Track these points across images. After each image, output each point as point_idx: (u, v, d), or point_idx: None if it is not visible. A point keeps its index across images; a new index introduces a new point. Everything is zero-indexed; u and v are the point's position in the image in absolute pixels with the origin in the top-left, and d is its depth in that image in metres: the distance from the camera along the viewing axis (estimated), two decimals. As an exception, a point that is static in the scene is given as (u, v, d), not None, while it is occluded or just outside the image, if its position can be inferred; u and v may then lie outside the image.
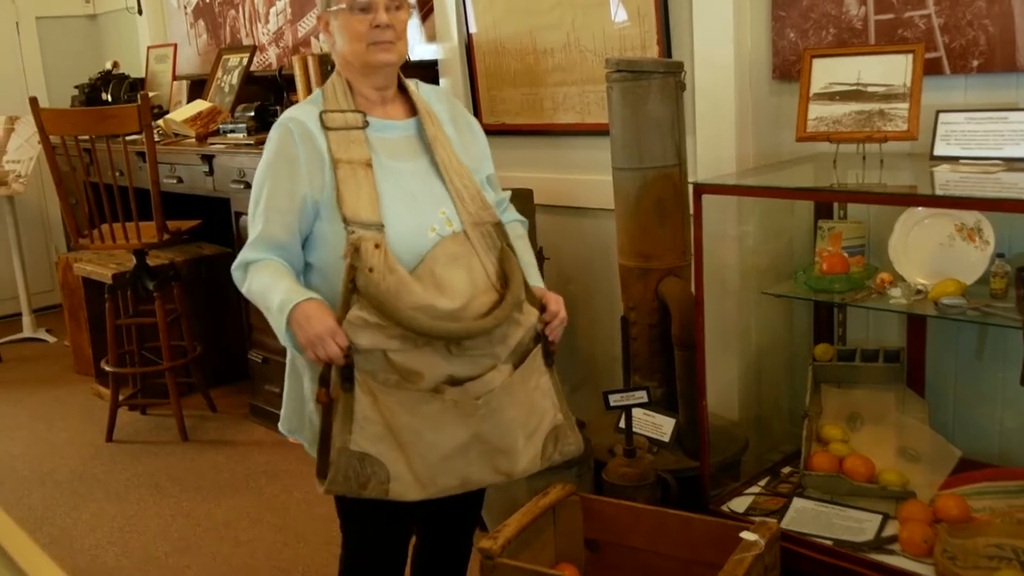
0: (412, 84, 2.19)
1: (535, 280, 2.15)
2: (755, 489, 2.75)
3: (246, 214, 4.37)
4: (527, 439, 2.05)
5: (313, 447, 2.01)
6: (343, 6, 2.04)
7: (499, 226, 2.08)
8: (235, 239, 4.26)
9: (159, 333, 4.22)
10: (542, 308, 2.09)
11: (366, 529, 2.15)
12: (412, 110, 2.14)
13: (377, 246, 1.90)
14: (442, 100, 2.23)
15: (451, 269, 1.96)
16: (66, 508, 3.66)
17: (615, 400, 2.71)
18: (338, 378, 1.89)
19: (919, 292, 2.48)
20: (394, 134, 2.08)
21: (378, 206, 1.95)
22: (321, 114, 2.03)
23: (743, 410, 3.20)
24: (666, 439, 2.87)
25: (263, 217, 2.00)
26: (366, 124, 2.04)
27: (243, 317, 4.35)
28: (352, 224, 1.92)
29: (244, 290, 2.04)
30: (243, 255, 2.02)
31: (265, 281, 1.97)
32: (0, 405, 4.87)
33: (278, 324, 1.92)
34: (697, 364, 2.69)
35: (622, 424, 2.79)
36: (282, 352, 4.22)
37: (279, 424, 2.19)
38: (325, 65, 3.91)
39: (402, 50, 2.09)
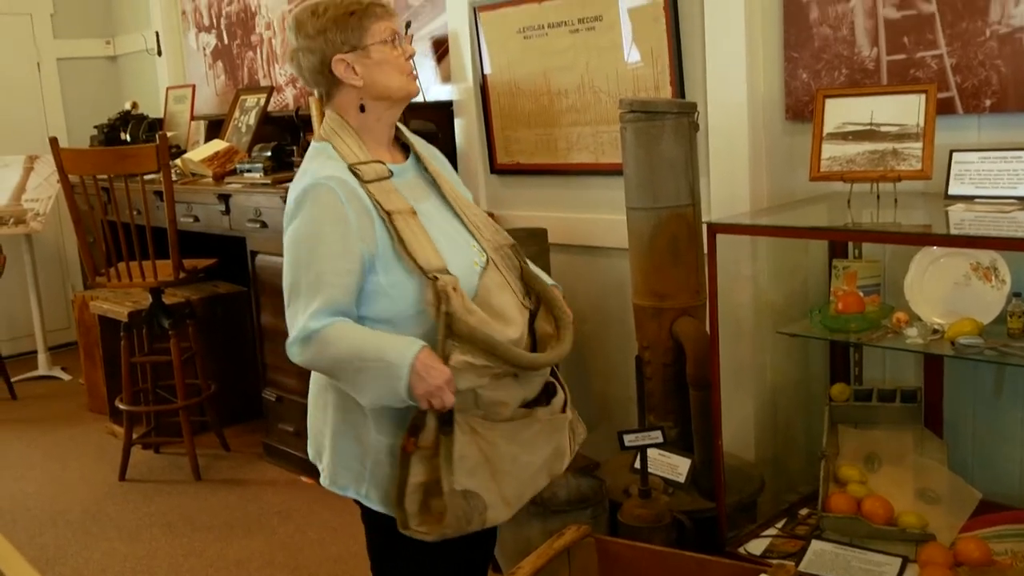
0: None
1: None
2: (772, 531, 2.73)
3: (262, 253, 4.39)
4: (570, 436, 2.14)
5: (380, 500, 2.01)
6: (380, 39, 2.01)
7: (515, 247, 2.12)
8: (251, 278, 4.28)
9: (174, 371, 4.23)
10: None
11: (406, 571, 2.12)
12: (405, 152, 2.15)
13: (455, 289, 1.90)
14: (415, 137, 2.21)
15: (502, 297, 2.01)
16: (78, 547, 3.65)
17: (630, 440, 2.69)
18: (435, 423, 1.90)
19: (935, 332, 2.47)
20: (407, 177, 2.08)
21: (438, 251, 1.95)
22: (351, 168, 1.97)
23: (759, 450, 3.18)
24: (681, 480, 2.85)
25: (322, 283, 1.90)
26: (390, 173, 2.03)
27: (257, 355, 4.36)
28: (430, 272, 1.90)
29: (315, 358, 1.92)
30: (304, 325, 1.89)
31: (357, 341, 1.90)
32: (14, 443, 4.88)
33: (396, 376, 1.85)
34: (712, 404, 2.68)
35: (637, 464, 2.77)
36: (296, 391, 4.22)
37: (323, 480, 2.12)
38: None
39: None
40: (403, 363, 1.84)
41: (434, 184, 2.12)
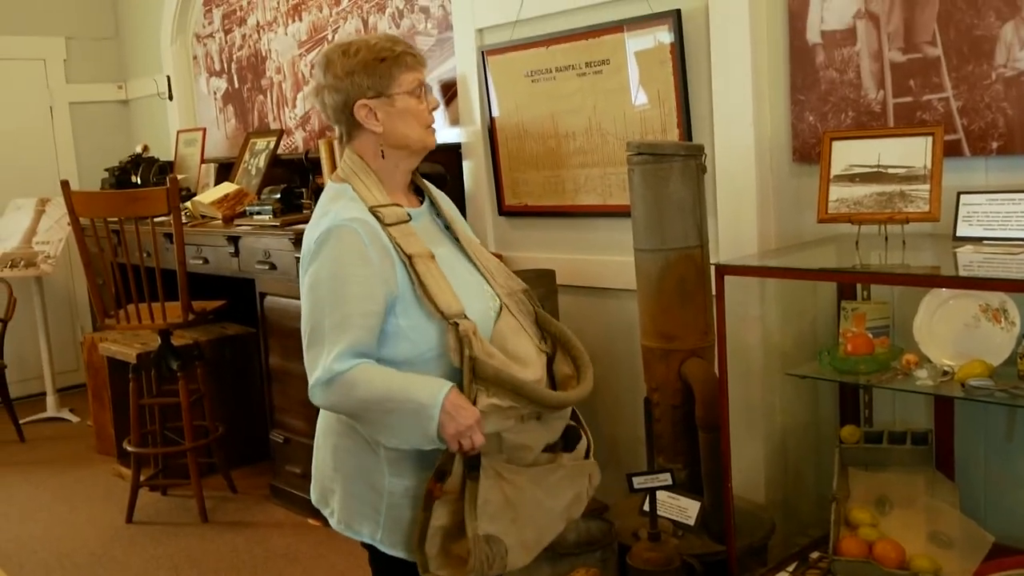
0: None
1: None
2: (783, 575, 2.70)
3: (271, 295, 4.40)
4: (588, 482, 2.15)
5: (397, 544, 2.01)
6: (406, 89, 2.01)
7: (527, 292, 2.14)
8: (259, 320, 4.29)
9: (182, 413, 4.23)
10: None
11: None
12: (420, 196, 2.16)
13: (475, 334, 1.91)
14: (427, 183, 2.22)
15: (518, 342, 2.01)
16: (84, 590, 3.64)
17: (639, 482, 2.68)
18: (462, 468, 1.91)
19: (945, 373, 2.46)
20: (422, 222, 2.08)
21: (456, 296, 1.95)
22: (372, 211, 1.97)
23: (769, 493, 3.15)
24: (691, 522, 2.83)
25: (347, 324, 1.88)
26: (409, 217, 2.02)
27: (265, 397, 4.36)
28: (451, 317, 1.91)
29: (340, 400, 1.90)
30: (329, 367, 1.86)
31: (384, 382, 1.88)
32: (22, 486, 4.87)
33: (427, 416, 1.85)
34: (722, 446, 2.66)
35: (646, 507, 2.75)
36: (304, 432, 4.21)
37: (335, 524, 2.11)
38: (350, 148, 3.97)
39: None
40: (434, 403, 1.84)
41: (448, 229, 2.13)
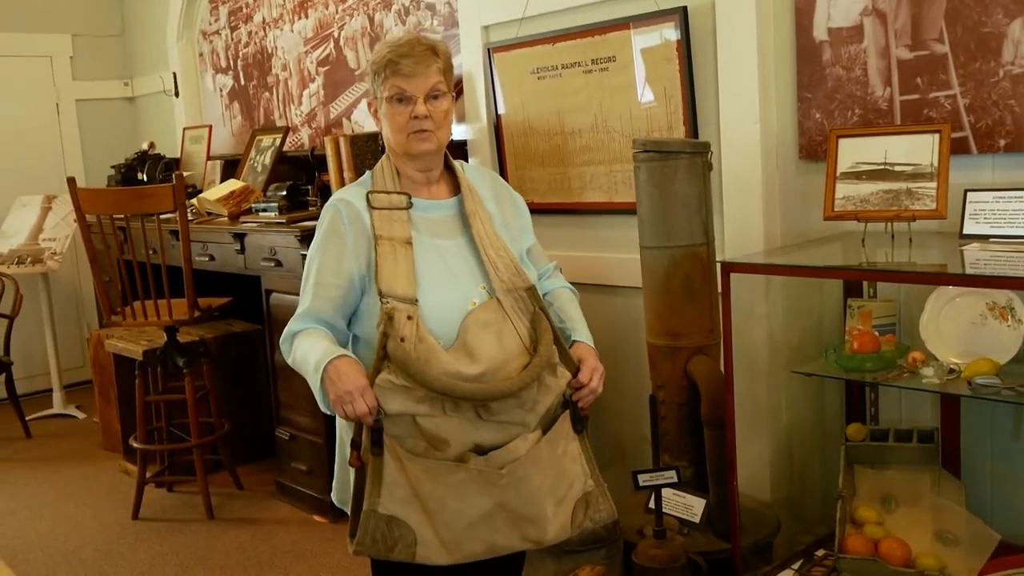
0: (458, 165, 2.29)
1: (583, 336, 2.25)
2: (788, 572, 2.70)
3: (277, 291, 4.43)
4: (556, 506, 2.09)
5: (343, 502, 2.20)
6: (386, 95, 2.16)
7: (531, 290, 2.16)
8: (265, 317, 4.29)
9: (188, 410, 4.24)
10: (576, 370, 2.15)
11: None
12: (457, 189, 2.24)
13: (409, 317, 2.01)
14: (485, 179, 2.33)
15: (481, 336, 2.04)
16: (91, 587, 3.65)
17: (644, 480, 2.68)
18: (368, 442, 1.98)
19: (952, 371, 2.45)
20: (438, 213, 2.19)
21: (415, 282, 2.06)
22: (368, 194, 2.15)
23: (775, 491, 3.15)
24: (696, 520, 2.83)
25: (311, 292, 2.11)
26: (410, 205, 2.15)
27: (271, 394, 4.36)
28: (387, 296, 2.03)
29: (290, 360, 2.13)
30: (290, 326, 2.12)
31: (306, 346, 2.07)
32: (28, 482, 4.88)
33: (314, 383, 2.02)
34: (727, 443, 2.66)
35: (652, 504, 2.75)
36: (310, 429, 4.24)
37: (332, 495, 2.31)
38: (356, 145, 3.98)
39: (442, 137, 2.18)
40: (320, 367, 1.99)
41: (467, 224, 2.19)
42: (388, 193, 2.15)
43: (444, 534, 1.99)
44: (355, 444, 2.01)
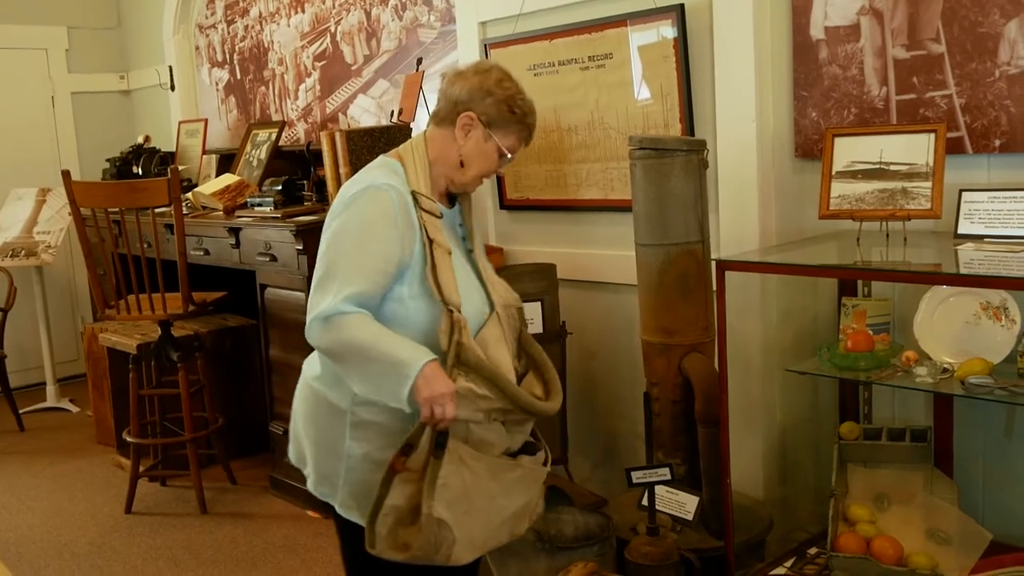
0: None
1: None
2: (781, 570, 2.70)
3: (272, 286, 4.41)
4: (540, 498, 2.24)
5: (353, 509, 2.13)
6: (501, 142, 2.17)
7: (520, 309, 2.25)
8: (260, 311, 4.29)
9: (182, 404, 4.23)
10: None
11: None
12: (450, 200, 2.27)
13: (464, 326, 2.04)
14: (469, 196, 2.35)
15: (499, 350, 2.11)
16: (83, 580, 3.64)
17: (638, 477, 2.68)
18: (430, 444, 1.98)
19: (945, 371, 2.46)
20: (447, 222, 2.21)
21: (458, 291, 2.08)
22: (413, 193, 2.10)
23: (768, 489, 3.16)
24: (690, 517, 2.83)
25: (362, 273, 2.01)
26: (440, 216, 2.15)
27: (265, 389, 4.36)
28: (449, 304, 2.04)
29: (331, 338, 2.00)
30: (333, 306, 1.98)
31: (375, 333, 1.99)
32: (21, 475, 4.88)
33: (404, 375, 1.95)
34: (721, 441, 2.67)
35: (645, 502, 2.76)
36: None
37: (309, 485, 2.24)
38: (352, 141, 3.97)
39: None
40: (415, 365, 1.94)
41: (465, 238, 2.26)
42: (425, 197, 2.12)
43: (477, 533, 2.05)
44: (408, 448, 2.00)
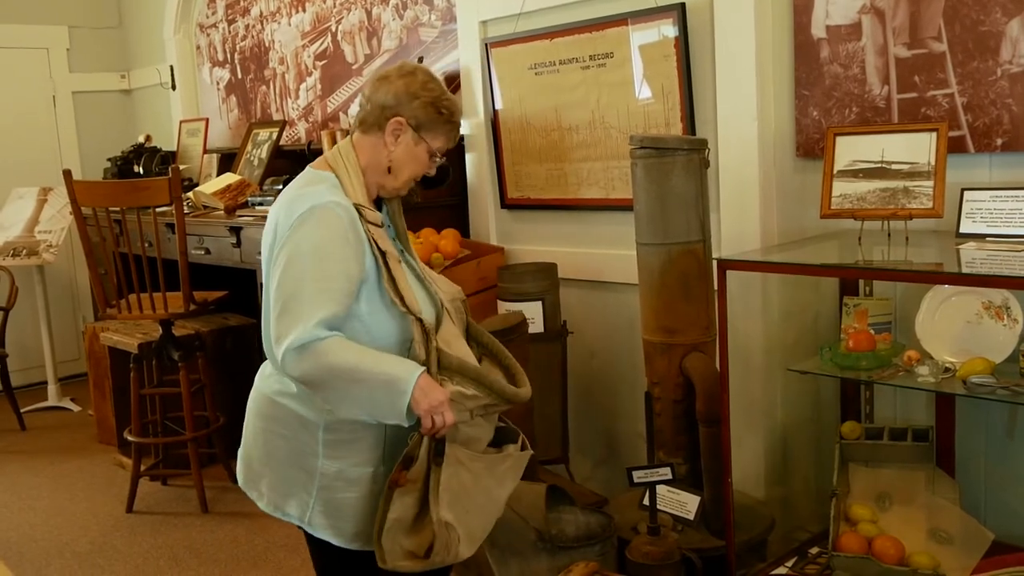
0: None
1: None
2: (782, 570, 2.70)
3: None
4: None
5: (324, 527, 2.11)
6: (431, 144, 2.15)
7: (464, 300, 2.27)
8: (261, 310, 4.27)
9: (183, 403, 4.23)
10: None
11: None
12: (378, 206, 2.23)
13: (433, 332, 2.05)
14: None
15: (459, 345, 2.11)
16: (84, 580, 3.64)
17: (639, 477, 2.68)
18: (428, 453, 2.01)
19: (947, 370, 2.46)
20: (383, 227, 2.16)
21: (415, 297, 2.08)
22: (357, 207, 2.07)
23: (769, 488, 3.16)
24: (691, 517, 2.83)
25: (328, 296, 1.97)
26: (383, 222, 2.13)
27: (266, 388, 4.35)
28: (413, 313, 2.04)
29: (310, 367, 1.95)
30: (309, 333, 1.93)
31: (357, 354, 1.97)
32: (22, 474, 4.88)
33: (400, 391, 1.94)
34: (722, 441, 2.66)
35: (646, 501, 2.75)
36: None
37: (263, 506, 2.22)
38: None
39: None
40: (409, 379, 1.94)
41: (397, 239, 2.23)
42: (366, 208, 2.08)
43: (476, 526, 2.09)
44: (408, 461, 2.02)
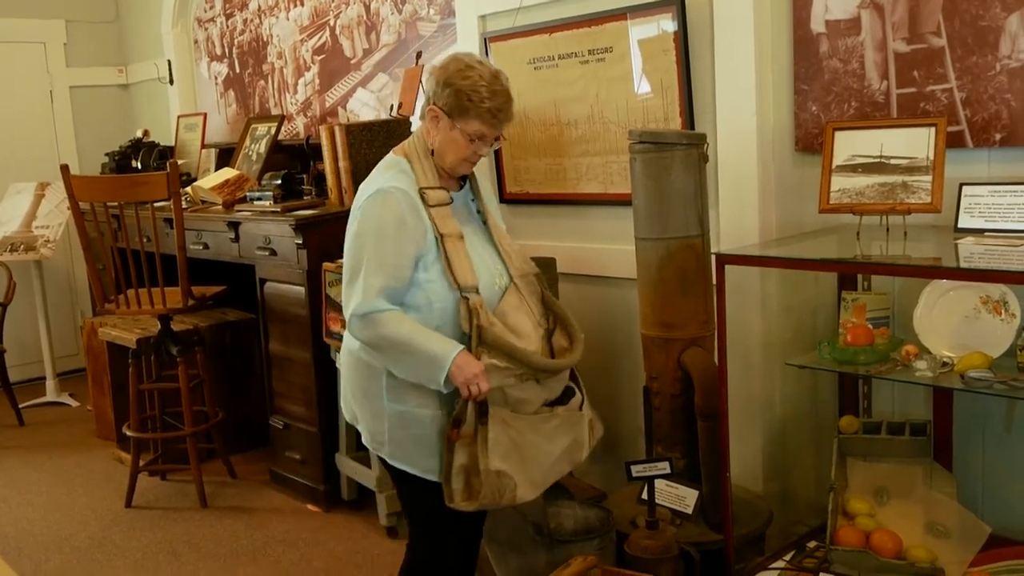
0: None
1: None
2: (780, 564, 2.71)
3: (271, 280, 4.42)
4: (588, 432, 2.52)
5: (399, 458, 2.38)
6: (463, 128, 2.33)
7: (538, 275, 2.49)
8: (259, 305, 4.28)
9: (181, 398, 4.23)
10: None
11: (444, 540, 2.47)
12: (461, 180, 2.48)
13: (480, 306, 2.29)
14: (477, 172, 2.54)
15: (519, 317, 2.37)
16: (83, 575, 3.64)
17: (637, 471, 2.69)
18: (474, 415, 2.27)
19: (945, 365, 2.46)
20: (459, 203, 2.44)
21: (474, 271, 2.33)
22: (421, 191, 2.32)
23: (767, 482, 3.16)
24: (689, 511, 2.84)
25: (382, 270, 2.26)
26: (451, 200, 2.37)
27: (265, 383, 4.36)
28: (466, 291, 2.29)
29: (370, 334, 2.27)
30: (372, 304, 2.24)
31: (409, 330, 2.27)
32: (21, 469, 4.88)
33: (439, 366, 2.23)
34: (721, 435, 2.67)
35: (644, 495, 2.76)
36: (304, 418, 4.22)
37: (366, 441, 2.48)
38: (352, 135, 3.97)
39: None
40: (447, 358, 2.23)
41: (479, 213, 2.49)
42: (434, 189, 2.34)
43: (536, 474, 2.35)
44: (457, 421, 2.28)
